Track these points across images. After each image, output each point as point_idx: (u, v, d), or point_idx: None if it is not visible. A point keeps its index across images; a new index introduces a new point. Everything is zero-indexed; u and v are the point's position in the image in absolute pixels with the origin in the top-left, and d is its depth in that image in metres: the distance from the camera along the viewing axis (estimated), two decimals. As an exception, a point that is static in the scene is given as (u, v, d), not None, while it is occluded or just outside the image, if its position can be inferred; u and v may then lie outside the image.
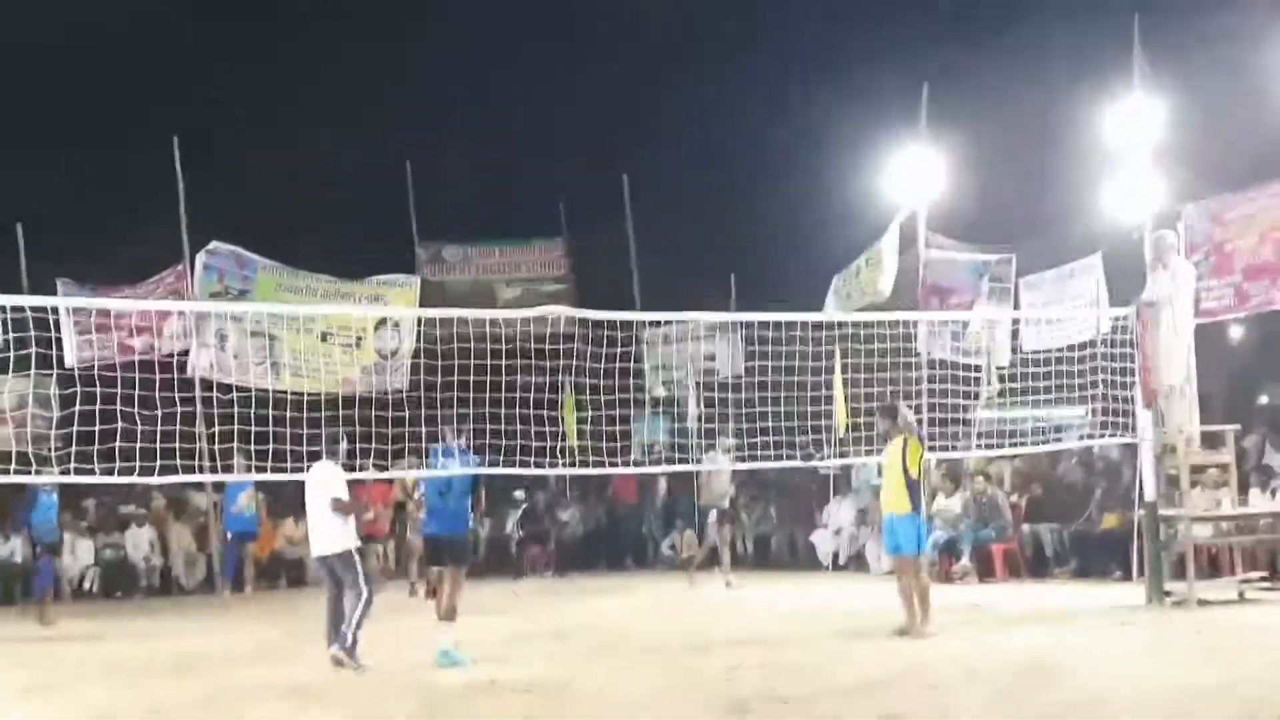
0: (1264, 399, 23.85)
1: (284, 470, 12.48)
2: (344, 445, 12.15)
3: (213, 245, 22.07)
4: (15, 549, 20.23)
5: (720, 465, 17.54)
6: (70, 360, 17.51)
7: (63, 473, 12.58)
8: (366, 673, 11.11)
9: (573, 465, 14.81)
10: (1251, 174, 17.30)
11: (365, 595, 11.52)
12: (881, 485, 12.88)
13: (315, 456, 12.30)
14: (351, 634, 11.42)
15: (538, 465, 13.43)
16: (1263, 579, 14.71)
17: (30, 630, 16.62)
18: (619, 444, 14.48)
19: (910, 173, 21.29)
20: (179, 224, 21.92)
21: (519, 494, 25.77)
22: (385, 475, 15.75)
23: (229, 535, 21.42)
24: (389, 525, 18.95)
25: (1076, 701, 8.36)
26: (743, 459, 14.18)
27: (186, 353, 20.07)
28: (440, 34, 32.55)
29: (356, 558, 11.71)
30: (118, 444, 11.79)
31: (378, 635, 13.73)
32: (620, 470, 16.65)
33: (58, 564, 18.64)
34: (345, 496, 11.81)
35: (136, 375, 12.24)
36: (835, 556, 21.83)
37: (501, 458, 13.06)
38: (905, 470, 12.34)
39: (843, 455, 15.85)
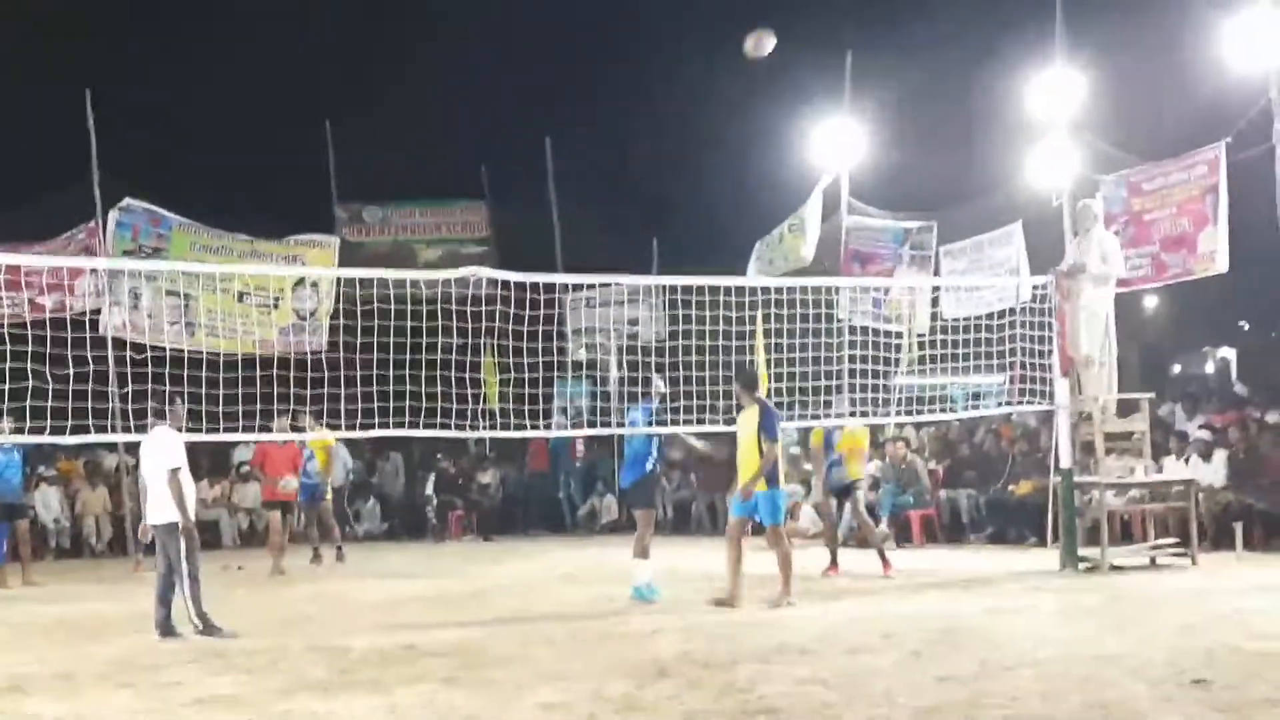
0: (1178, 368, 24.24)
1: (199, 431, 12.28)
2: (183, 408, 11.81)
3: (126, 202, 21.69)
4: None
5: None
6: (-23, 317, 17.13)
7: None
8: (238, 637, 10.99)
9: (493, 428, 14.71)
10: (1170, 145, 17.49)
11: (187, 572, 11.23)
12: (738, 455, 12.48)
13: (231, 418, 12.11)
14: (198, 616, 11.20)
15: (458, 428, 13.33)
16: (1174, 545, 14.94)
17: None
18: (540, 407, 14.40)
19: (833, 140, 21.39)
20: (91, 180, 21.50)
21: (439, 457, 25.67)
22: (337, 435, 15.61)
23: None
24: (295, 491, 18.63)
25: (989, 663, 8.43)
26: (664, 423, 14.14)
27: (99, 311, 19.70)
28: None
29: (183, 534, 11.30)
30: (28, 403, 11.54)
31: (290, 601, 13.64)
32: (541, 434, 16.61)
33: (18, 527, 17.82)
34: (181, 465, 11.38)
35: (48, 333, 11.98)
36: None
37: (421, 420, 12.94)
38: (760, 443, 12.08)
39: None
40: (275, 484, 18.18)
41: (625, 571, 13.21)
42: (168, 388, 12.44)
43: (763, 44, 15.06)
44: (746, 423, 12.24)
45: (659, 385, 13.15)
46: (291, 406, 15.10)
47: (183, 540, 11.27)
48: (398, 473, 26.79)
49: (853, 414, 15.34)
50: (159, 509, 11.41)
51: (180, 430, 11.62)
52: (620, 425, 16.58)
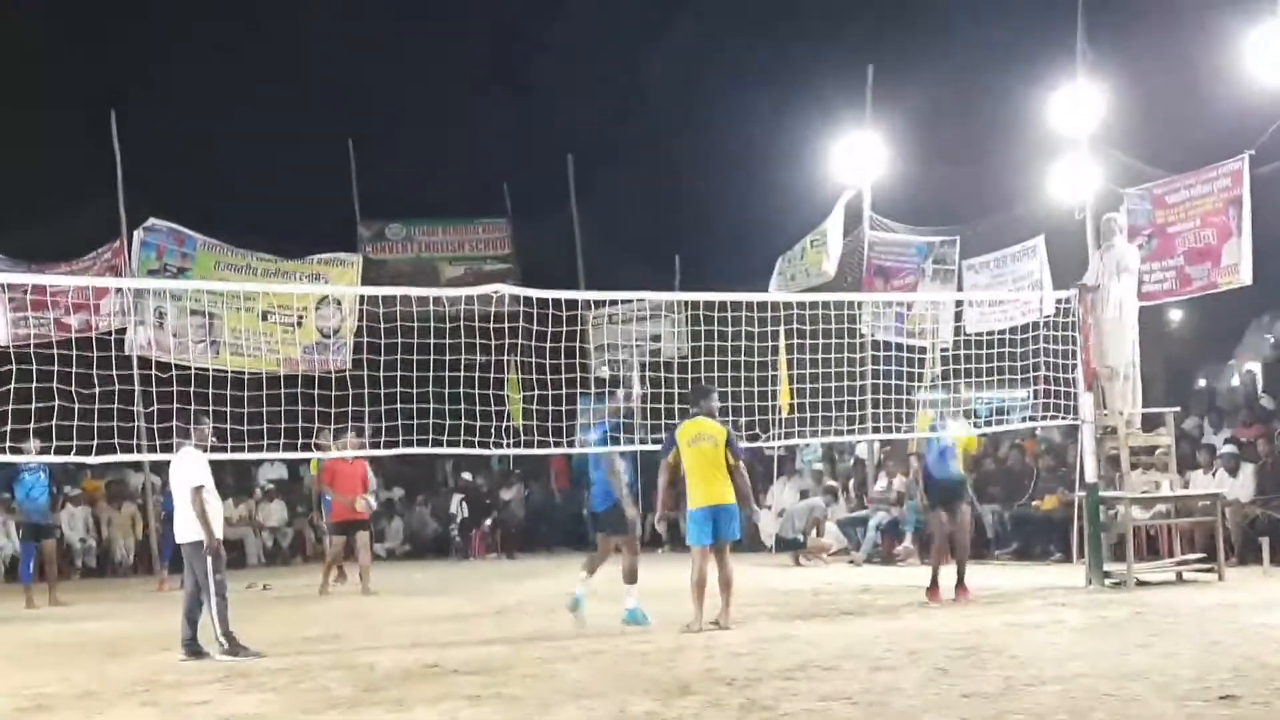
0: (1203, 381, 24.10)
1: (224, 450, 12.32)
2: (209, 428, 11.81)
3: (151, 222, 21.83)
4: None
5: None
6: (4, 338, 17.28)
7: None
8: (263, 656, 11.02)
9: (517, 445, 14.73)
10: (1193, 158, 17.43)
11: (215, 591, 11.24)
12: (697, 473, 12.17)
13: (255, 435, 12.15)
14: (224, 635, 11.22)
15: (481, 445, 13.34)
16: (1200, 560, 14.86)
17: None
18: (564, 424, 14.41)
19: (855, 155, 21.38)
20: (116, 200, 21.65)
21: (466, 475, 25.69)
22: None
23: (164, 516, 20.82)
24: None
25: (1014, 680, 8.40)
26: (618, 442, 14.10)
27: (124, 330, 19.82)
28: (387, 10, 32.29)
29: (208, 552, 11.31)
30: (54, 423, 11.59)
31: (315, 619, 13.67)
32: (564, 451, 16.60)
33: (44, 547, 18.08)
34: (206, 483, 11.43)
35: (74, 353, 12.05)
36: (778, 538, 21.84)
37: (445, 437, 12.96)
38: (728, 461, 11.98)
39: (787, 436, 15.86)
40: (350, 503, 17.65)
41: (649, 588, 13.15)
42: (193, 407, 12.50)
43: None
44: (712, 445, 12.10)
45: (632, 389, 12.83)
46: (350, 424, 14.93)
47: (209, 559, 11.32)
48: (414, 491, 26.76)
49: (875, 429, 15.30)
50: (185, 528, 11.47)
51: (205, 449, 11.67)
52: (643, 442, 16.56)
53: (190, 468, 11.47)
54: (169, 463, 11.92)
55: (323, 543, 21.17)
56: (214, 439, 11.95)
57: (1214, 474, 16.79)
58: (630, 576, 12.60)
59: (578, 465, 25.94)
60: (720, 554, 12.08)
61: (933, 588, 13.81)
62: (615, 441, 12.80)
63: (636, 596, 12.58)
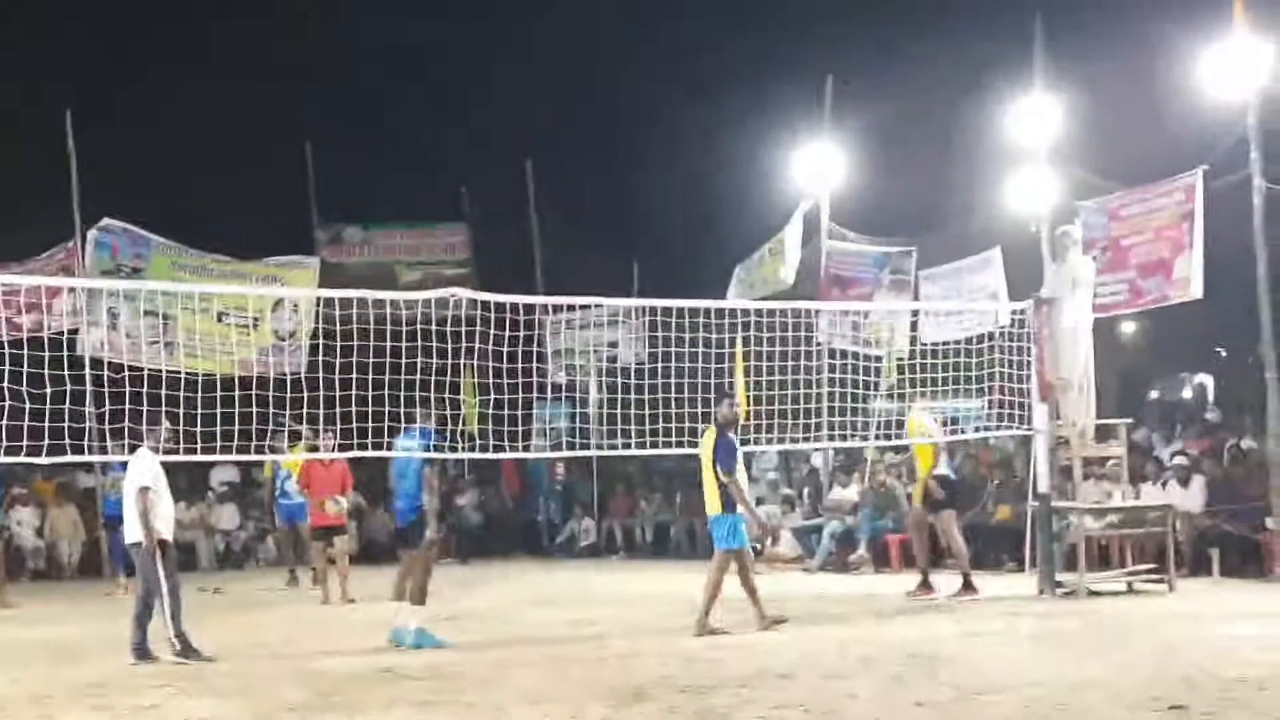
0: (1154, 394, 24.31)
1: (175, 452, 12.21)
2: (164, 430, 11.68)
3: (105, 222, 21.66)
4: None
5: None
6: (-46, 337, 17.08)
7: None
8: (212, 661, 10.95)
9: (472, 450, 14.68)
10: (1149, 172, 17.59)
11: (165, 591, 11.11)
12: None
13: (209, 438, 12.07)
14: (176, 636, 11.09)
15: (437, 449, 13.29)
16: (1151, 571, 14.97)
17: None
18: (520, 428, 14.37)
19: (813, 164, 21.46)
20: (70, 200, 21.45)
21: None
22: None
23: (104, 520, 19.79)
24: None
25: (966, 688, 8.44)
26: (643, 446, 14.12)
27: (76, 331, 19.63)
28: (346, 12, 32.13)
29: (153, 554, 11.20)
30: (3, 423, 11.46)
31: (266, 624, 13.59)
32: (520, 455, 16.57)
33: None
34: (154, 485, 11.28)
35: (25, 353, 11.93)
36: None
37: (400, 441, 12.90)
38: (715, 471, 12.05)
39: (743, 443, 15.85)
40: (320, 506, 16.85)
41: (604, 594, 13.18)
42: (145, 408, 12.40)
43: None
44: (705, 452, 12.22)
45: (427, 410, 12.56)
46: (321, 426, 14.62)
47: (158, 560, 11.20)
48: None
49: (831, 437, 15.36)
50: (132, 528, 11.36)
51: (157, 450, 11.57)
52: (599, 447, 16.57)
53: (139, 469, 11.37)
54: (125, 464, 11.82)
55: (278, 548, 21.03)
56: (168, 441, 11.86)
57: (1164, 485, 16.93)
58: (417, 597, 11.92)
59: (534, 470, 26.07)
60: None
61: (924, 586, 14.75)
62: (439, 450, 12.52)
63: (421, 619, 11.91)
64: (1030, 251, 17.11)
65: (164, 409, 12.38)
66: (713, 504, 12.17)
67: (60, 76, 27.89)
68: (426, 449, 12.20)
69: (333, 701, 8.91)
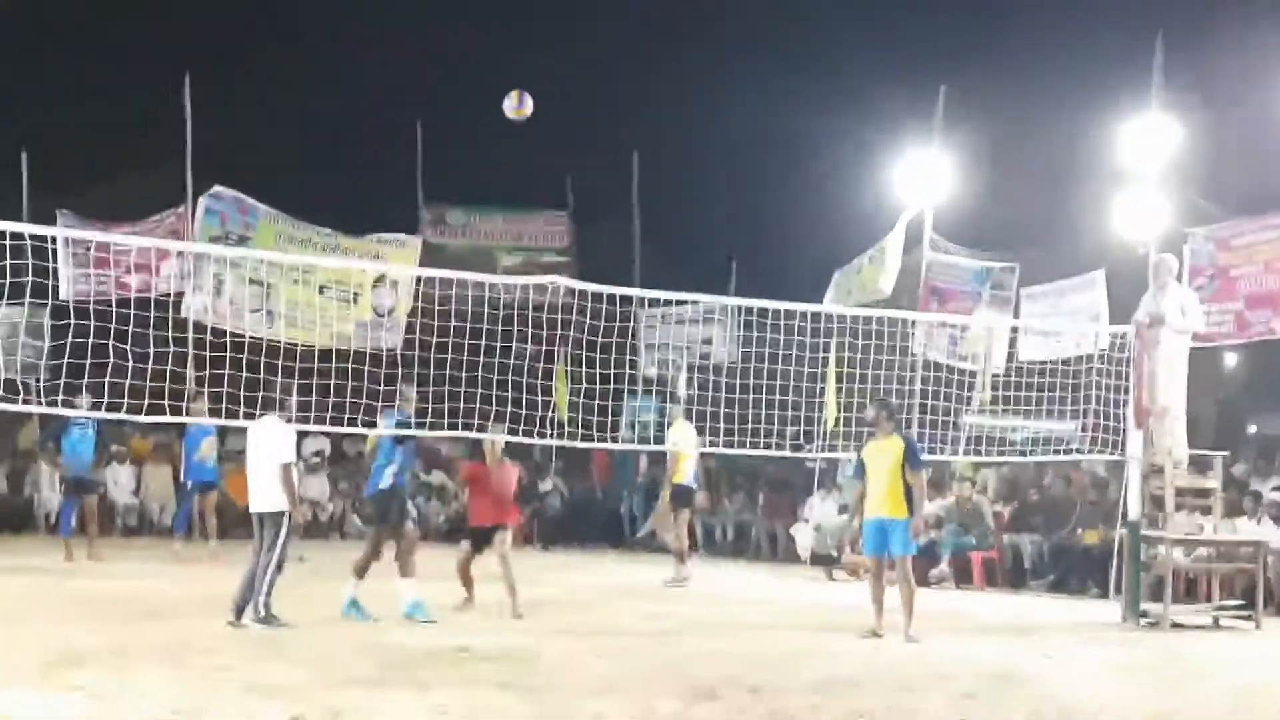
0: (1253, 428, 23.85)
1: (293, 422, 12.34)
2: (295, 399, 11.99)
3: (216, 189, 21.95)
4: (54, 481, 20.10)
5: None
6: (65, 292, 17.47)
7: (49, 404, 12.53)
8: (294, 628, 11.22)
9: (560, 437, 14.76)
10: (1263, 201, 17.25)
11: (277, 559, 11.52)
12: (872, 485, 12.51)
13: (304, 408, 12.25)
14: (263, 601, 11.43)
15: (525, 434, 13.39)
16: (1238, 608, 14.69)
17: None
18: (609, 419, 14.42)
19: (920, 173, 21.26)
20: (184, 165, 21.81)
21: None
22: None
23: (188, 484, 19.47)
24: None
25: (1040, 713, 8.35)
26: (731, 445, 14.11)
27: (182, 294, 19.96)
28: (462, -1, 32.45)
29: (286, 522, 11.61)
30: (107, 379, 11.71)
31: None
32: (606, 446, 16.61)
33: (86, 502, 18.20)
34: (293, 460, 11.71)
35: (132, 312, 12.17)
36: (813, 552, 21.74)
37: (490, 424, 13.01)
38: (905, 476, 12.16)
39: (830, 449, 15.79)
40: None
41: (682, 590, 13.16)
42: (244, 374, 12.61)
43: (524, 103, 15.10)
44: (889, 457, 12.26)
45: (408, 394, 12.71)
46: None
47: (283, 530, 11.52)
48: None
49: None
50: (266, 497, 11.62)
51: (290, 421, 11.83)
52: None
53: (280, 441, 11.68)
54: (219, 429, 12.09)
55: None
56: (262, 408, 12.06)
57: (1259, 521, 16.61)
58: (359, 571, 12.44)
59: (619, 462, 26.07)
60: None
61: None
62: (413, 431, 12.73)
63: (357, 591, 12.38)
64: (1136, 275, 16.85)
65: (261, 376, 12.59)
66: (896, 507, 12.20)
67: (182, 40, 28.40)
68: (402, 430, 12.50)
69: (402, 676, 9.01)
